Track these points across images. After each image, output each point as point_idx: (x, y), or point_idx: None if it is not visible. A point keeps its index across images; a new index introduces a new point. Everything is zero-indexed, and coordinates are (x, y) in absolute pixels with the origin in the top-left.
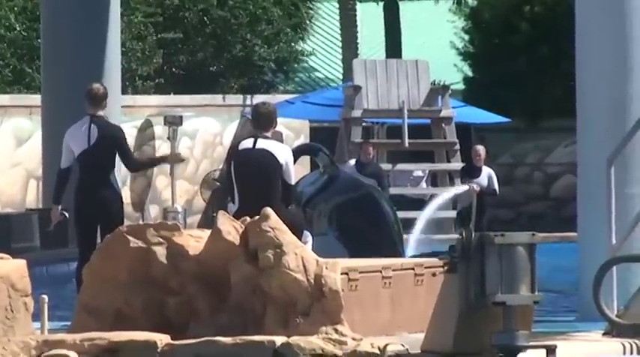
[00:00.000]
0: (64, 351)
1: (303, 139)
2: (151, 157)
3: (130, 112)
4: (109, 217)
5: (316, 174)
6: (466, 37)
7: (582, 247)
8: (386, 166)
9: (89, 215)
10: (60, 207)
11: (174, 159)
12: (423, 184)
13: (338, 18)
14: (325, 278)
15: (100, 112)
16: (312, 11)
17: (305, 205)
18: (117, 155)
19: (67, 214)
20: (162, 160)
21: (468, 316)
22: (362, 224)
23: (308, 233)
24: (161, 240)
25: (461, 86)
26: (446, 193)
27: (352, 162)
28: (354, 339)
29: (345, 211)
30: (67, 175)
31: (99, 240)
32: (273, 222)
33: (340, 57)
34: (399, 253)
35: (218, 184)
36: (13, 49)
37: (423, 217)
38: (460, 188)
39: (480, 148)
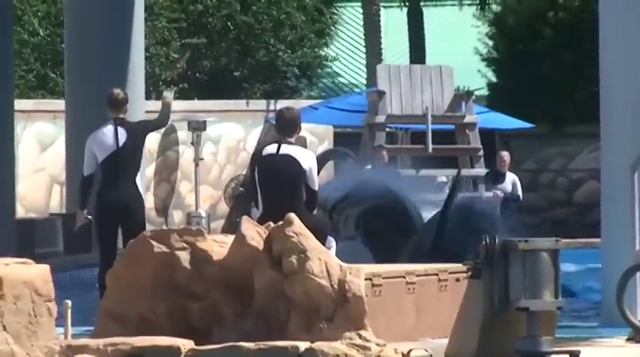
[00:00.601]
0: (87, 356)
1: (327, 144)
2: (159, 112)
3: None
4: (131, 222)
5: (342, 179)
6: (490, 42)
7: (606, 252)
8: (410, 172)
9: (112, 219)
10: (85, 211)
11: (166, 101)
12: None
13: (362, 23)
14: (349, 284)
15: (122, 116)
16: (335, 16)
17: (331, 210)
18: (142, 155)
19: (90, 218)
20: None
21: (492, 322)
22: (388, 229)
23: (332, 239)
24: (185, 245)
25: (485, 92)
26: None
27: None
28: (377, 344)
29: (371, 217)
30: (90, 182)
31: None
32: (297, 227)
33: (364, 62)
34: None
35: (242, 189)
36: (37, 54)
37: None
38: (485, 195)
39: (505, 154)
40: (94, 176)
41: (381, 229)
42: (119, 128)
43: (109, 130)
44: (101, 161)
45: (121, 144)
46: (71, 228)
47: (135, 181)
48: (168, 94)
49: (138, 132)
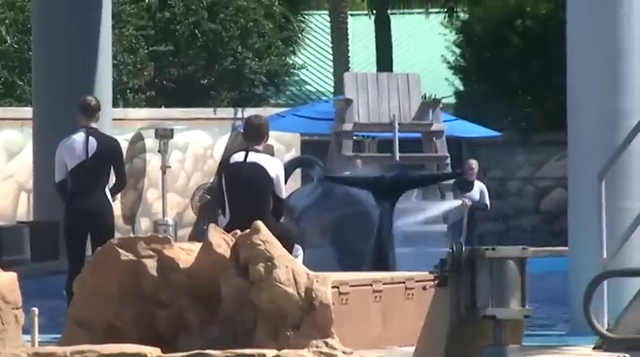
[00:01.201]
0: None
1: (294, 152)
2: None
3: (121, 125)
4: (100, 230)
5: (309, 187)
6: (457, 50)
7: (573, 261)
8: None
9: (81, 227)
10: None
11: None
12: (414, 199)
13: (329, 31)
14: (316, 292)
15: (94, 124)
16: (303, 24)
17: (298, 218)
18: (110, 166)
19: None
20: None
21: (459, 330)
22: (354, 238)
23: (299, 247)
24: (152, 253)
25: (452, 100)
26: (440, 206)
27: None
28: (344, 352)
29: (338, 225)
30: (65, 188)
31: (88, 252)
32: (264, 235)
33: (331, 70)
34: (392, 266)
35: (209, 197)
36: (4, 62)
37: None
38: (453, 203)
39: (474, 162)
40: (66, 182)
41: (348, 237)
42: (90, 138)
43: (79, 137)
44: (70, 169)
45: (90, 154)
46: (43, 235)
47: (104, 190)
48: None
49: (106, 149)
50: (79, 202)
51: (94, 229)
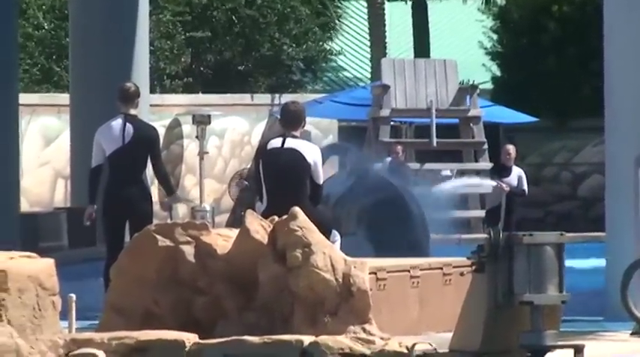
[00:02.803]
0: (91, 350)
1: (332, 138)
2: (170, 179)
3: (158, 111)
4: (139, 216)
5: (345, 173)
6: (494, 36)
7: (610, 246)
8: (414, 166)
9: (119, 214)
10: (95, 206)
11: (173, 200)
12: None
13: (366, 17)
14: (353, 278)
15: (133, 111)
16: (340, 10)
17: (334, 205)
18: (147, 153)
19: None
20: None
21: (496, 316)
22: (390, 224)
23: (336, 233)
24: (189, 239)
25: (489, 86)
26: (476, 181)
27: (388, 160)
28: (382, 338)
29: (373, 211)
30: (99, 174)
31: (127, 239)
32: (302, 221)
33: (368, 56)
34: (427, 252)
35: (246, 183)
36: (42, 48)
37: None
38: (489, 182)
39: (511, 148)
40: (101, 168)
41: (383, 223)
42: (127, 124)
43: (117, 123)
44: (108, 155)
45: (127, 140)
46: (80, 221)
47: (142, 176)
48: (176, 200)
49: (143, 136)
50: (117, 189)
51: (132, 216)
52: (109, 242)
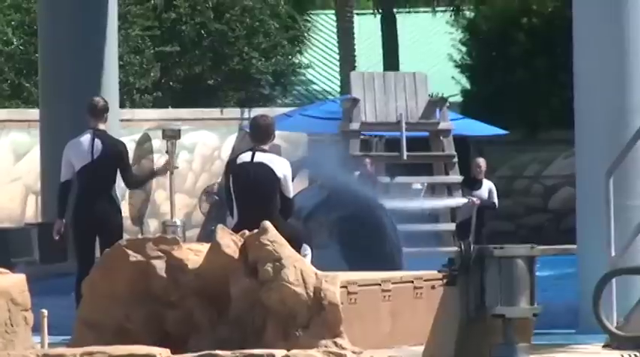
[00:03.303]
0: None
1: (301, 152)
2: (144, 174)
3: (128, 126)
4: (109, 232)
5: (316, 187)
6: (464, 49)
7: (582, 259)
8: (384, 179)
9: (89, 229)
10: (64, 220)
11: (163, 170)
12: (422, 196)
13: (335, 30)
14: (325, 291)
15: (102, 126)
16: (309, 24)
17: (305, 219)
18: (116, 168)
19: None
20: (154, 174)
21: (468, 329)
22: (362, 238)
23: (307, 246)
24: (160, 254)
25: (459, 98)
26: (448, 201)
27: (357, 173)
28: (353, 352)
29: (345, 225)
30: (68, 188)
31: (97, 254)
32: (272, 235)
33: (338, 70)
34: (399, 266)
35: (217, 197)
36: (11, 64)
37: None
38: (460, 200)
39: (481, 161)
40: (71, 182)
41: (355, 236)
42: (96, 139)
43: (86, 139)
44: (77, 171)
45: (95, 156)
46: (51, 237)
47: (112, 191)
48: (167, 167)
49: (111, 152)
50: (86, 204)
51: (102, 231)
52: (80, 257)
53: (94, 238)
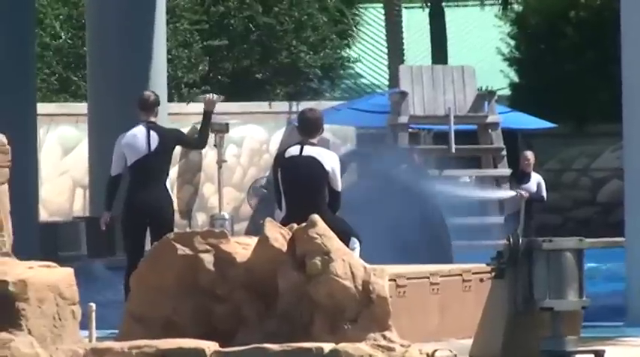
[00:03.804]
0: None
1: (350, 145)
2: (200, 128)
3: (176, 120)
4: (160, 224)
5: (365, 180)
6: (512, 42)
7: (629, 251)
8: (433, 172)
9: (140, 220)
10: (111, 213)
11: (210, 104)
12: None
13: (384, 24)
14: (373, 285)
15: (153, 119)
16: (357, 17)
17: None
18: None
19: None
20: (206, 114)
21: (516, 322)
22: (412, 230)
23: (355, 240)
24: (208, 247)
25: (507, 92)
26: (497, 193)
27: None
28: (402, 345)
29: (394, 218)
30: (118, 182)
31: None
32: (321, 229)
33: (386, 63)
34: (448, 258)
35: (265, 191)
36: (59, 58)
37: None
38: (508, 193)
39: (530, 154)
40: (121, 177)
41: (404, 230)
42: (152, 132)
43: (140, 132)
44: (131, 164)
45: (152, 148)
46: (98, 230)
47: (164, 184)
48: (212, 97)
49: (170, 139)
50: (139, 196)
51: (153, 224)
52: (129, 249)
53: (145, 230)
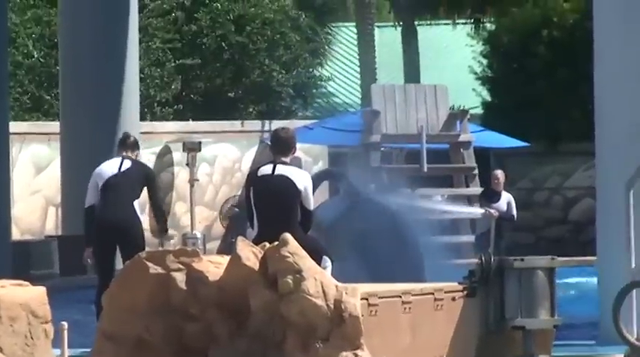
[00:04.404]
0: None
1: (322, 164)
2: (158, 222)
3: (148, 139)
4: (129, 243)
5: (337, 199)
6: (484, 61)
7: (602, 270)
8: (405, 191)
9: (110, 239)
10: (91, 249)
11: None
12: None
13: (356, 43)
14: (345, 303)
15: (131, 155)
16: (330, 36)
17: (326, 231)
18: (142, 189)
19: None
20: (161, 230)
21: (488, 341)
22: (383, 249)
23: (327, 258)
24: (180, 266)
25: (480, 111)
26: (465, 209)
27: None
28: None
29: (367, 236)
30: (93, 214)
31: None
32: (293, 247)
33: (358, 82)
34: (420, 277)
35: (237, 210)
36: (32, 76)
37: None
38: (477, 210)
39: (499, 173)
40: (95, 208)
41: (376, 249)
42: (125, 160)
43: (114, 160)
44: (101, 186)
45: (123, 170)
46: (71, 250)
47: (133, 204)
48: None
49: (142, 168)
50: (108, 215)
51: (123, 242)
52: (100, 269)
53: (115, 249)
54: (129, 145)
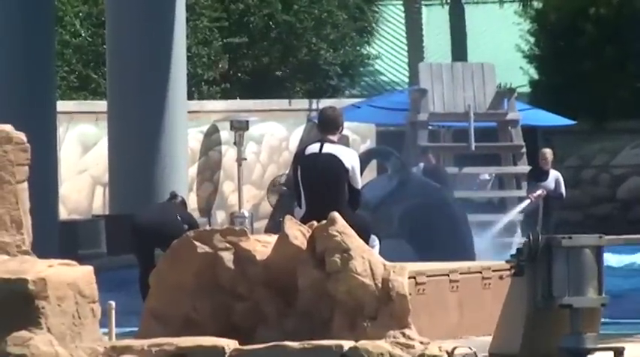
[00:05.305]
0: (131, 356)
1: (370, 143)
2: None
3: (196, 118)
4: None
5: (385, 178)
6: (532, 39)
7: None
8: (452, 170)
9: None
10: None
11: None
12: (489, 187)
13: (403, 21)
14: (393, 282)
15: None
16: (377, 15)
17: (375, 209)
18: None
19: None
20: None
21: (535, 319)
22: (432, 228)
23: (375, 237)
24: (228, 245)
25: (527, 89)
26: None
27: (421, 165)
28: (421, 342)
29: (415, 215)
30: None
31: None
32: (340, 226)
33: (406, 61)
34: (469, 255)
35: (285, 188)
36: (79, 55)
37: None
38: (522, 205)
39: (547, 151)
40: None
41: (424, 227)
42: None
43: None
44: None
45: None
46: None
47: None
48: None
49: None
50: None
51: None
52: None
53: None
54: (177, 204)
